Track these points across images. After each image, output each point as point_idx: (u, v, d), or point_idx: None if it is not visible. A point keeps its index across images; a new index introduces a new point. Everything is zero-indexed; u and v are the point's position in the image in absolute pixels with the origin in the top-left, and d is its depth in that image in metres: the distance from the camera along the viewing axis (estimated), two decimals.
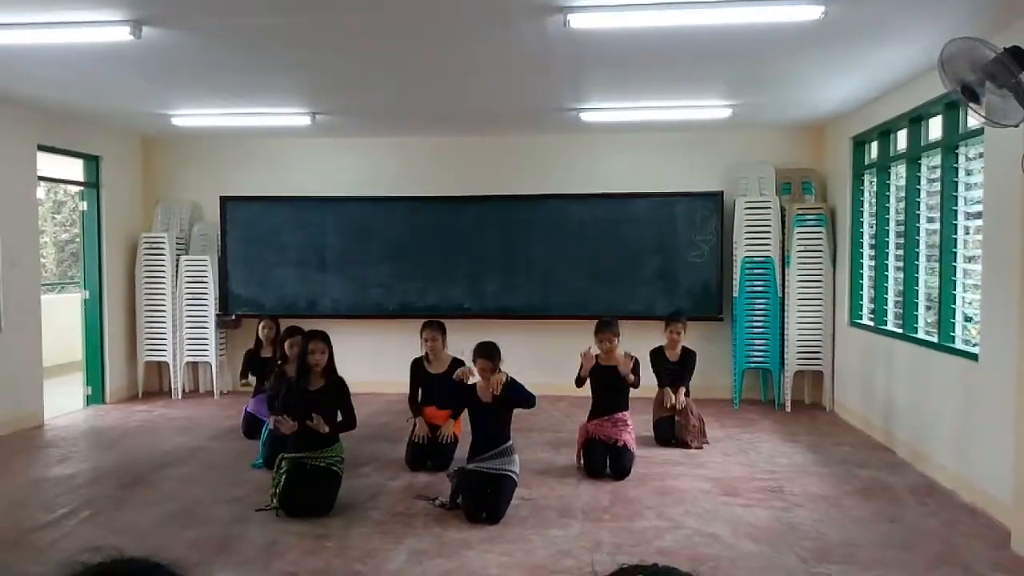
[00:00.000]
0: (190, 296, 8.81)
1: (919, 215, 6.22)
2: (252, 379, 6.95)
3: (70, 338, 9.05)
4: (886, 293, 6.92)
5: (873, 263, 7.22)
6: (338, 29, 4.93)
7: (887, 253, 6.88)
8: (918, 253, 6.21)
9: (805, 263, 8.04)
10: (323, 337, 5.19)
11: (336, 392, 5.16)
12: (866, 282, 7.45)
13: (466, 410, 5.31)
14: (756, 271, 8.17)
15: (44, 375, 7.73)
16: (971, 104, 3.90)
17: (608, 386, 5.92)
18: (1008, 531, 4.47)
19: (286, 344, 6.18)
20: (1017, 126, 3.85)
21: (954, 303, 5.60)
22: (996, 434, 4.74)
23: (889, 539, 4.52)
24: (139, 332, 8.86)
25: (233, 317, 8.84)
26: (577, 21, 4.55)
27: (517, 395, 5.12)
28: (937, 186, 5.85)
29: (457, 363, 6.09)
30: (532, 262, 8.65)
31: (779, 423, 7.45)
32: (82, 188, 8.54)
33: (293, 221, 8.87)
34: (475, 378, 5.24)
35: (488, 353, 5.12)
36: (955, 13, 4.48)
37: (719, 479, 5.64)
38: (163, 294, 8.80)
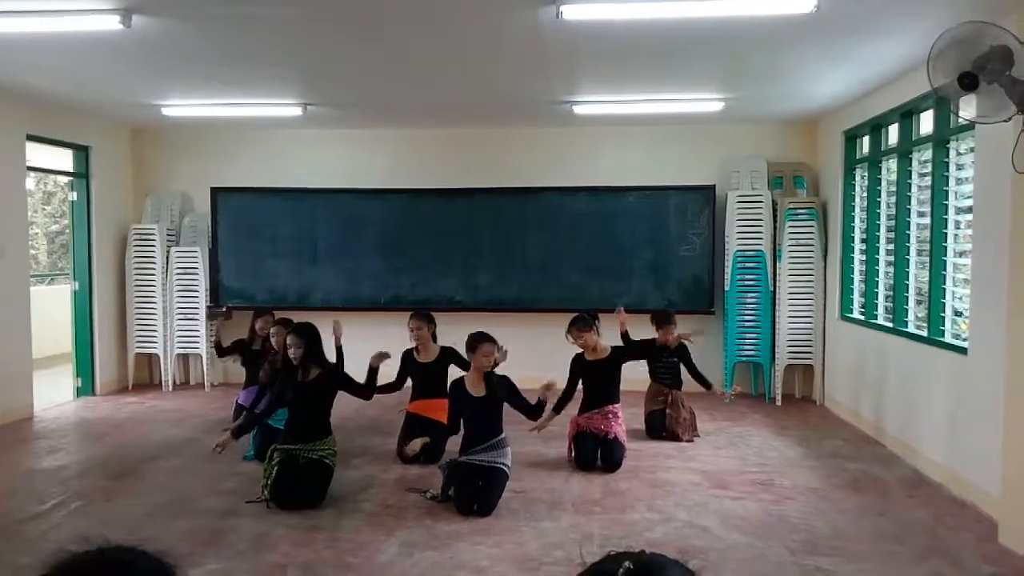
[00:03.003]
0: (181, 288, 8.78)
1: (910, 209, 6.24)
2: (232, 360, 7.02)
3: (60, 330, 9.01)
4: (877, 287, 6.95)
5: (864, 257, 7.24)
6: (329, 19, 4.90)
7: (878, 247, 6.90)
8: (909, 247, 6.24)
9: (796, 257, 8.06)
10: (299, 331, 5.11)
11: (332, 382, 5.16)
12: (857, 276, 7.48)
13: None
14: (747, 265, 8.20)
15: (34, 367, 7.69)
16: (960, 99, 3.91)
17: (598, 380, 5.93)
18: (996, 523, 4.51)
19: (259, 322, 6.37)
20: (1008, 121, 3.87)
21: (944, 297, 5.63)
22: (985, 427, 4.77)
23: (878, 531, 4.54)
24: (129, 324, 8.82)
25: (224, 309, 8.81)
26: (570, 12, 4.54)
27: (511, 392, 5.12)
28: (928, 180, 5.87)
29: (446, 352, 6.11)
30: (525, 255, 8.65)
31: (770, 417, 7.47)
32: (71, 179, 8.50)
33: (285, 213, 8.85)
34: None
35: (490, 337, 5.11)
36: (947, 7, 4.48)
37: (709, 472, 5.66)
38: (153, 286, 8.77)
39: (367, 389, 5.32)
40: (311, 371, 5.10)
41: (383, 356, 5.37)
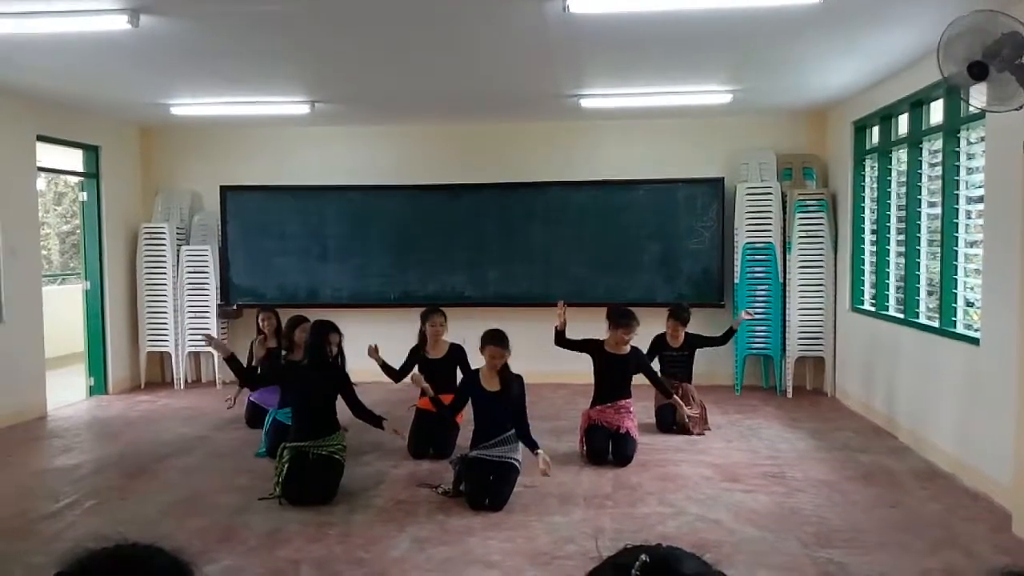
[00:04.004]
0: (191, 286, 8.82)
1: (920, 200, 6.20)
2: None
3: (72, 329, 9.05)
4: (887, 278, 6.92)
5: (874, 248, 7.21)
6: (336, 16, 4.91)
7: (888, 238, 6.87)
8: (919, 238, 6.21)
9: (806, 249, 8.04)
10: (337, 328, 5.25)
11: (338, 380, 5.19)
12: (867, 267, 7.45)
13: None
14: (757, 257, 8.17)
15: (46, 366, 7.74)
16: (971, 88, 3.89)
17: (612, 373, 5.93)
18: (1009, 514, 4.48)
19: (296, 331, 6.16)
20: (1019, 109, 3.84)
21: (955, 288, 5.60)
22: (997, 418, 4.75)
23: (891, 523, 4.53)
24: (141, 322, 8.86)
25: (234, 307, 8.85)
26: (576, 5, 4.53)
27: (520, 398, 5.11)
28: (938, 170, 5.83)
29: (455, 348, 6.12)
30: (533, 249, 8.65)
31: (781, 409, 7.46)
32: (82, 179, 8.54)
33: (293, 210, 8.87)
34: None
35: (498, 340, 5.10)
36: None
37: (721, 465, 5.65)
38: (164, 284, 8.80)
39: (359, 409, 5.25)
40: (325, 367, 5.13)
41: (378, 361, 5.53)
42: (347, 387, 5.21)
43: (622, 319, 5.89)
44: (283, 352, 6.33)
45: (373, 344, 5.85)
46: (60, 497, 5.11)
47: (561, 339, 5.96)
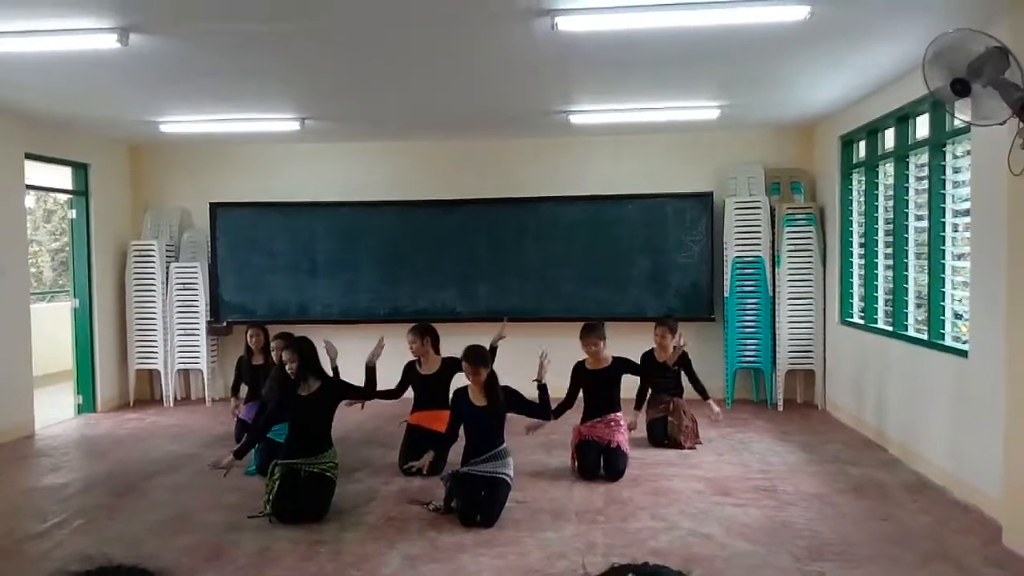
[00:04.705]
0: (180, 303, 8.78)
1: (907, 213, 6.25)
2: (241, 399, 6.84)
3: (60, 347, 9.01)
4: (876, 291, 6.95)
5: (863, 261, 7.25)
6: (326, 35, 4.92)
7: (876, 251, 6.91)
8: (907, 251, 6.25)
9: (795, 262, 8.08)
10: (294, 345, 5.14)
11: (332, 394, 5.17)
12: (856, 281, 7.49)
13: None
14: (746, 271, 8.20)
15: (35, 384, 7.69)
16: (956, 103, 3.93)
17: (600, 388, 5.93)
18: (999, 526, 4.50)
19: (272, 348, 6.19)
20: (1003, 124, 3.88)
21: (943, 300, 5.63)
22: (986, 430, 4.77)
23: (882, 536, 4.54)
24: (130, 340, 8.82)
25: (224, 324, 8.81)
26: (565, 24, 4.57)
27: (515, 401, 5.11)
28: (925, 184, 5.88)
29: (448, 362, 6.10)
30: (523, 265, 8.66)
31: (771, 422, 7.47)
32: (71, 196, 8.52)
33: (283, 227, 8.86)
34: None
35: (471, 357, 5.08)
36: (939, 12, 4.51)
37: (712, 479, 5.65)
38: (153, 302, 8.77)
39: (367, 391, 5.36)
40: (310, 385, 5.10)
41: (377, 352, 5.40)
42: (345, 391, 5.22)
43: (583, 333, 5.96)
44: (252, 361, 6.34)
45: (376, 350, 5.53)
46: (48, 516, 5.07)
47: (561, 408, 5.78)
